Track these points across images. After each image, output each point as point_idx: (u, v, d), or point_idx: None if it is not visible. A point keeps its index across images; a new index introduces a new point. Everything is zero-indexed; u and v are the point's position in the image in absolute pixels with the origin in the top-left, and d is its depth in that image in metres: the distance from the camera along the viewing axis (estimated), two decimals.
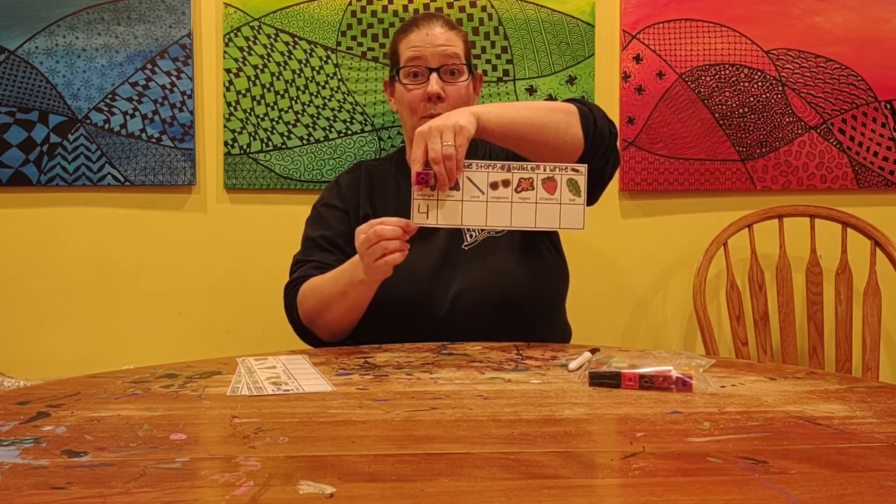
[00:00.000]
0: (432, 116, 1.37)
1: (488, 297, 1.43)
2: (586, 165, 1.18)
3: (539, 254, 1.51)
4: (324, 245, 1.51)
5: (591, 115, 1.35)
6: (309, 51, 1.97)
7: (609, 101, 2.03)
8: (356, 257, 1.31)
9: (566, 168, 1.18)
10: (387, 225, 1.22)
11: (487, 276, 1.44)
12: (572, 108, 1.34)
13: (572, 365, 1.14)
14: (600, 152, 1.35)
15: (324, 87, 1.97)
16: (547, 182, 1.17)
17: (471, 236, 1.49)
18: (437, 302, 1.43)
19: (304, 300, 1.44)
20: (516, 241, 1.49)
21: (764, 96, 2.04)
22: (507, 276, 1.44)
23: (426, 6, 1.97)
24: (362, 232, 1.25)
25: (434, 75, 1.45)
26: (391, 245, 1.22)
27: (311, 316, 1.44)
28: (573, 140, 1.32)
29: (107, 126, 1.94)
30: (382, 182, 1.57)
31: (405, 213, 1.26)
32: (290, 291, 1.47)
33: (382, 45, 1.98)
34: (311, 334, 1.47)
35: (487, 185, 1.18)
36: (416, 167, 1.17)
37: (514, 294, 1.43)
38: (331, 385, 1.04)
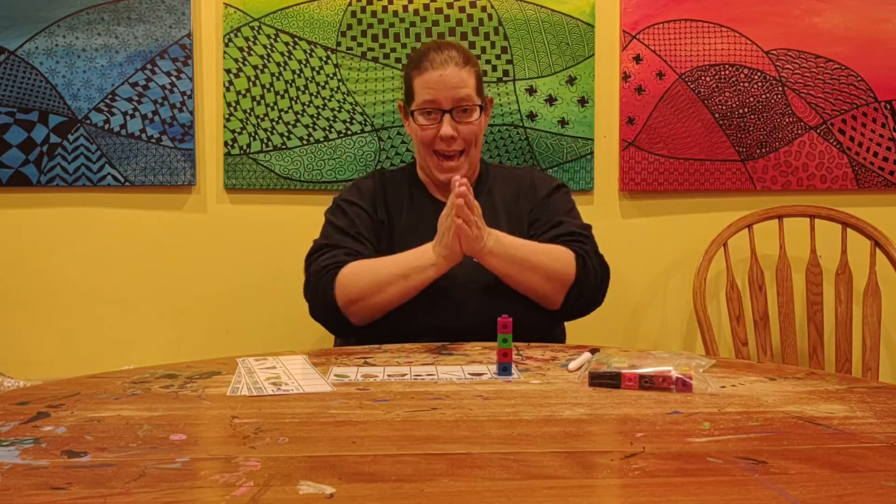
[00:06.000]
0: (446, 155, 1.54)
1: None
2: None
3: None
4: (353, 234, 1.52)
5: (576, 292, 1.48)
6: (309, 51, 1.97)
7: (609, 101, 2.03)
8: (423, 246, 1.42)
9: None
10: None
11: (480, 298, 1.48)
12: (570, 278, 1.47)
13: (572, 365, 1.14)
14: (572, 314, 1.54)
15: (324, 88, 1.97)
16: None
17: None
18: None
19: (347, 282, 1.42)
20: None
21: (764, 96, 2.04)
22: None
23: (426, 6, 1.97)
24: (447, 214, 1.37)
25: (447, 117, 1.52)
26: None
27: (355, 297, 1.42)
28: (550, 301, 1.48)
29: (107, 126, 1.94)
30: (397, 191, 1.62)
31: (417, 221, 1.51)
32: (326, 275, 1.44)
33: (382, 46, 1.98)
34: (336, 320, 1.46)
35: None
36: None
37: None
38: (331, 385, 1.04)
